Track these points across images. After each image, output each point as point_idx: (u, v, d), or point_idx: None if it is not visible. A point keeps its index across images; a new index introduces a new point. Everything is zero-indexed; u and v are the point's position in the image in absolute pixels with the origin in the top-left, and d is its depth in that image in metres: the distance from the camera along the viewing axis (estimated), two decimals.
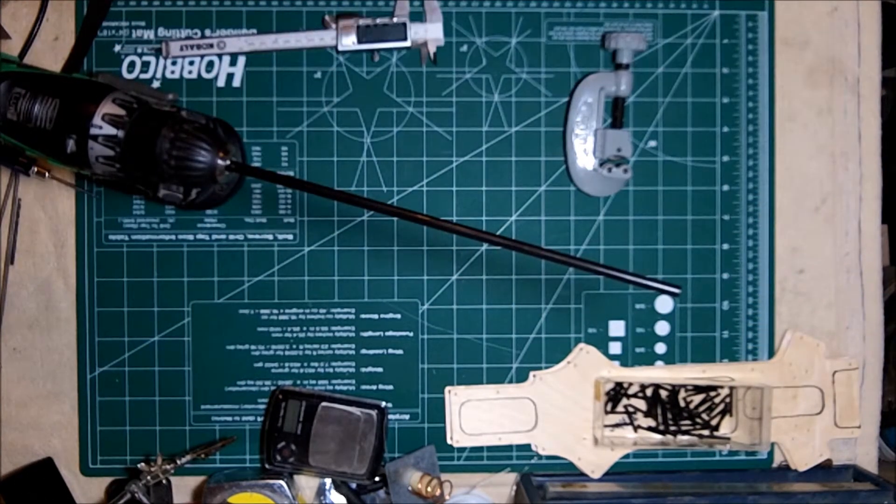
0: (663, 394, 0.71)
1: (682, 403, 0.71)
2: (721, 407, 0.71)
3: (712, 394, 0.71)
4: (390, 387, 0.71)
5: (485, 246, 0.70)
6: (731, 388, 0.71)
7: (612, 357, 0.71)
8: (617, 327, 0.71)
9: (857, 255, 0.71)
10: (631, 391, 0.71)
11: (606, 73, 0.69)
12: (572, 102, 0.69)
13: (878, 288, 0.72)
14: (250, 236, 0.70)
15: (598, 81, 0.69)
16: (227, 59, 0.69)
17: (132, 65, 0.69)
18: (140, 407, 0.70)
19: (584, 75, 0.69)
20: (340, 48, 0.68)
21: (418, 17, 0.69)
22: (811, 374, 0.70)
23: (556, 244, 0.70)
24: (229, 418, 0.70)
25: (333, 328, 0.70)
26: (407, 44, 0.68)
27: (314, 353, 0.70)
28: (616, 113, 0.69)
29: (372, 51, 0.69)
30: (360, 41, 0.68)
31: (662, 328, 0.71)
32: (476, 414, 0.70)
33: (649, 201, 0.70)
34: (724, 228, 0.71)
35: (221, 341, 0.70)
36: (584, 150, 0.69)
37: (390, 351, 0.70)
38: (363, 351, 0.70)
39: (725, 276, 0.71)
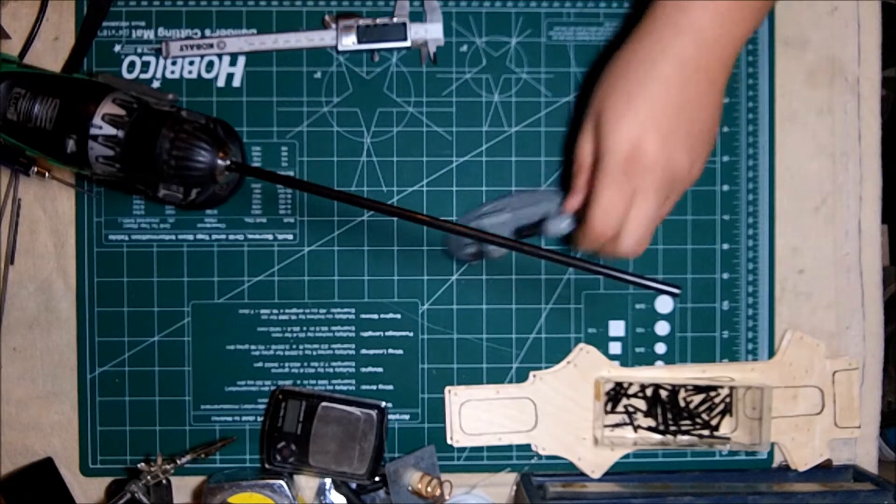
0: (663, 394, 0.71)
1: (682, 403, 0.71)
2: (721, 407, 0.71)
3: (712, 394, 0.71)
4: (390, 387, 0.71)
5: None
6: (731, 388, 0.71)
7: (612, 357, 0.71)
8: (617, 327, 0.71)
9: (857, 255, 0.71)
10: (631, 391, 0.71)
11: None
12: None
13: (878, 288, 0.72)
14: (250, 236, 0.70)
15: None
16: (227, 59, 0.69)
17: (132, 65, 0.69)
18: (140, 407, 0.70)
19: (584, 76, 0.69)
20: (340, 48, 0.68)
21: (418, 17, 0.69)
22: (811, 374, 0.70)
23: (556, 244, 0.70)
24: (229, 418, 0.70)
25: (333, 328, 0.70)
26: (407, 44, 0.68)
27: (314, 353, 0.70)
28: None
29: (372, 51, 0.69)
30: (360, 41, 0.68)
31: (662, 328, 0.71)
32: (476, 414, 0.70)
33: None
34: (724, 228, 0.71)
35: (221, 341, 0.70)
36: None
37: (390, 351, 0.70)
38: (363, 351, 0.70)
39: (725, 276, 0.71)
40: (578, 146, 0.59)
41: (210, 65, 0.69)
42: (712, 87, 0.56)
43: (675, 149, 0.55)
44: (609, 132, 0.56)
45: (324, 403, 0.68)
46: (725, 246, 0.71)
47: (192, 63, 0.69)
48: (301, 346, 0.70)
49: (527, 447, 0.70)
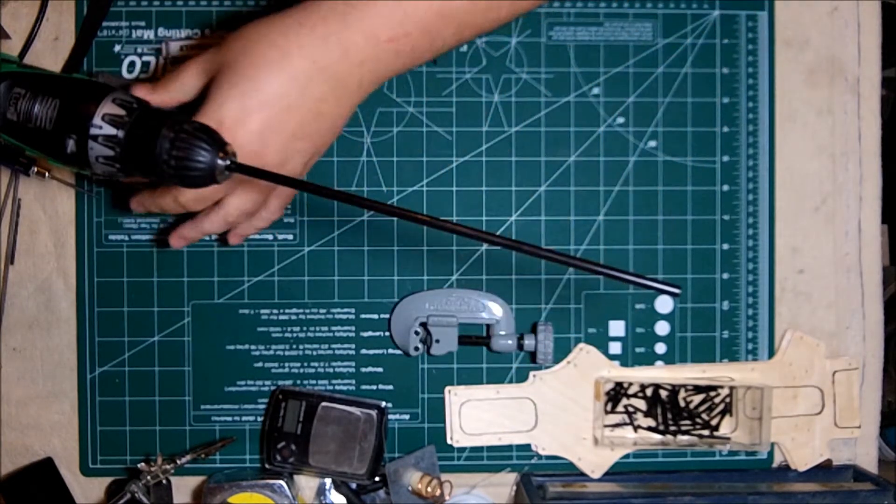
0: (663, 394, 0.71)
1: (682, 403, 0.71)
2: (721, 407, 0.71)
3: (712, 394, 0.71)
4: (390, 387, 0.71)
5: (485, 246, 0.70)
6: (731, 388, 0.71)
7: (612, 357, 0.71)
8: (617, 327, 0.71)
9: (857, 255, 0.71)
10: (631, 391, 0.71)
11: None
12: None
13: (878, 288, 0.72)
14: (250, 236, 0.70)
15: None
16: None
17: (132, 65, 0.69)
18: (140, 407, 0.70)
19: (584, 74, 0.69)
20: None
21: None
22: (811, 374, 0.70)
23: (556, 244, 0.70)
24: (229, 418, 0.70)
25: (333, 328, 0.70)
26: None
27: (314, 353, 0.70)
28: None
29: None
30: None
31: (662, 328, 0.71)
32: (476, 414, 0.70)
33: (649, 201, 0.70)
34: (724, 228, 0.71)
35: (221, 341, 0.70)
36: None
37: (390, 351, 0.70)
38: (363, 351, 0.70)
39: (725, 276, 0.71)
40: (189, 66, 0.55)
41: None
42: (339, 102, 0.52)
43: (269, 142, 0.52)
44: (215, 96, 0.52)
45: (324, 403, 0.68)
46: (725, 246, 0.71)
47: None
48: (301, 346, 0.70)
49: (527, 447, 0.70)
